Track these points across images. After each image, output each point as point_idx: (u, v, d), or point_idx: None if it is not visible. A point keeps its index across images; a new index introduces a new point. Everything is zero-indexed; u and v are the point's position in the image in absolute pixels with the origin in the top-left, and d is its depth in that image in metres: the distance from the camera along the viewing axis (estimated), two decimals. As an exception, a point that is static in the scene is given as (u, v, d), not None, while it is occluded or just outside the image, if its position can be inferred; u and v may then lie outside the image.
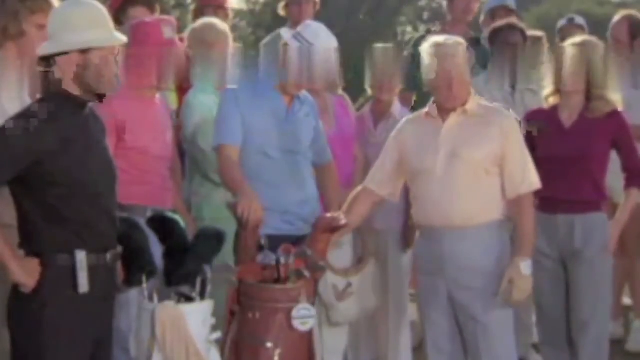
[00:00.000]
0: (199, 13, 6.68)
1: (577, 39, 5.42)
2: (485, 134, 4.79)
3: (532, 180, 4.85)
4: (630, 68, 6.67)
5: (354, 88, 6.53)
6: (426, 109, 4.92)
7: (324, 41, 4.86)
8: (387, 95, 5.90)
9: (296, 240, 4.71)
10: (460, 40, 4.94)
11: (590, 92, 5.27)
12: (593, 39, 5.50)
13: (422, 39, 6.96)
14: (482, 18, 7.51)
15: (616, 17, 7.05)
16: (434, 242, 4.81)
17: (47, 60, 3.91)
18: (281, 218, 4.81)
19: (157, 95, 5.17)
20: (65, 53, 3.85)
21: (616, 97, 5.35)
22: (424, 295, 4.94)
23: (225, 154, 4.81)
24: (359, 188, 5.06)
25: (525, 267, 4.69)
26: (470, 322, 4.79)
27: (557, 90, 5.36)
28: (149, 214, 4.44)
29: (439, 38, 4.94)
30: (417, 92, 6.51)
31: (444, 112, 4.85)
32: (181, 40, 5.44)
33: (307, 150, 5.01)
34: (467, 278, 4.75)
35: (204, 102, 5.50)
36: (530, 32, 6.51)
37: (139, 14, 5.96)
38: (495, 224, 4.80)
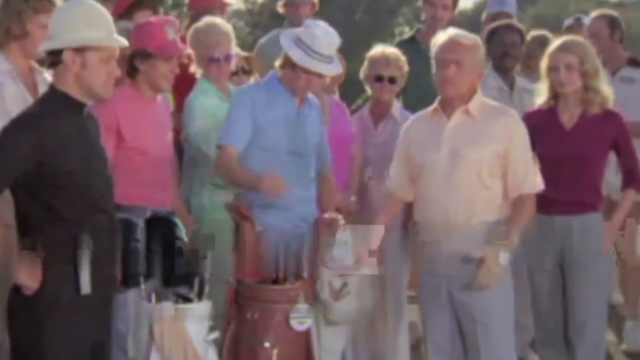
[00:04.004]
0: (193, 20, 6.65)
1: (558, 41, 5.42)
2: (488, 133, 4.78)
3: (535, 180, 4.85)
4: (611, 61, 6.71)
5: (353, 88, 6.54)
6: (434, 105, 4.92)
7: (324, 45, 4.84)
8: (387, 96, 5.89)
9: (294, 239, 4.72)
10: (477, 38, 4.92)
11: (586, 85, 5.26)
12: (574, 37, 5.54)
13: (402, 42, 7.03)
14: (483, 16, 7.55)
15: (593, 14, 7.16)
16: (434, 240, 4.82)
17: (49, 60, 3.92)
18: (281, 215, 4.82)
19: (159, 97, 5.15)
20: (61, 51, 3.85)
21: (606, 87, 5.35)
22: (425, 294, 4.94)
23: (227, 153, 4.84)
24: (389, 191, 5.08)
25: (503, 257, 4.69)
26: (470, 322, 4.79)
27: (554, 96, 5.36)
28: (148, 214, 4.45)
29: (459, 31, 4.92)
30: (403, 93, 6.52)
31: (449, 109, 4.85)
32: (182, 39, 5.41)
33: (313, 152, 5.03)
34: (467, 278, 4.76)
35: (206, 104, 5.46)
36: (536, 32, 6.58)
37: (144, 17, 5.93)
38: (497, 223, 4.80)
